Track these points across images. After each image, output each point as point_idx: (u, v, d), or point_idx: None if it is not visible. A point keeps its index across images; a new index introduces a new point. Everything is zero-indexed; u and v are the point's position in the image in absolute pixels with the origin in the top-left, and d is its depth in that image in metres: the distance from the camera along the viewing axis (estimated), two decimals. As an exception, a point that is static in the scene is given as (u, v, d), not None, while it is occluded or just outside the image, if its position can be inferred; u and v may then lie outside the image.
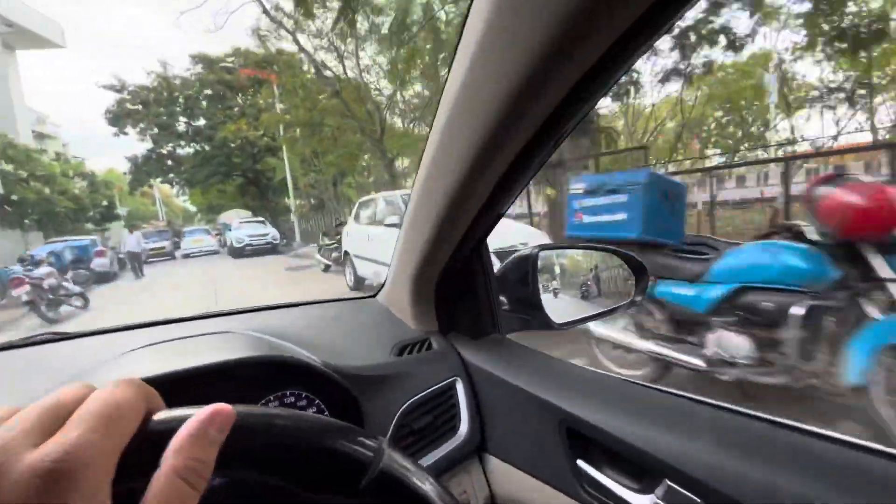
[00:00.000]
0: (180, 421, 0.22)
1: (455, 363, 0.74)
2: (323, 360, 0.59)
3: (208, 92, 23.34)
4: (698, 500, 0.42)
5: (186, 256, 19.82)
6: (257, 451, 0.25)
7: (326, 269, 9.47)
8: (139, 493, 0.20)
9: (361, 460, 0.27)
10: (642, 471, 0.49)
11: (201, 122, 23.56)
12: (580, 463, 0.55)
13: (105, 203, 15.91)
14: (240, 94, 23.63)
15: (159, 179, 24.13)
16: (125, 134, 23.23)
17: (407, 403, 0.64)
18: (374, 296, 0.95)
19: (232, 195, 27.49)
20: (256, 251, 16.81)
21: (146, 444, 0.21)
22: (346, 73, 13.71)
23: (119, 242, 12.49)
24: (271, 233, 17.45)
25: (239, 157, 24.30)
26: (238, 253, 16.72)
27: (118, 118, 21.92)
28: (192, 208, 41.52)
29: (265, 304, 0.89)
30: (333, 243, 9.01)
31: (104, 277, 12.00)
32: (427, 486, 0.29)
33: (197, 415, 0.22)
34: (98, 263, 11.68)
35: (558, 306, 0.75)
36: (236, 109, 23.33)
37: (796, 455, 0.41)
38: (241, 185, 26.61)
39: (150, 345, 0.57)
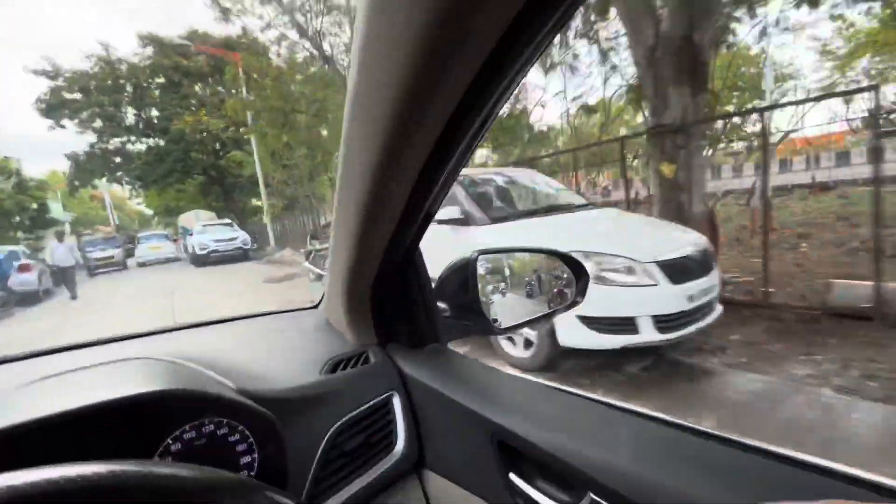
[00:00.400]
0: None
1: (392, 376, 0.71)
2: (240, 385, 0.57)
3: (161, 80, 20.66)
4: None
5: (142, 265, 17.51)
6: None
7: (319, 278, 7.64)
8: None
9: None
10: (569, 484, 0.49)
11: (153, 113, 20.80)
12: (512, 477, 0.54)
13: (35, 206, 13.08)
14: (198, 83, 21.07)
15: (105, 179, 21.10)
16: (62, 127, 20.24)
17: (337, 424, 0.62)
18: (315, 306, 0.93)
19: (192, 195, 24.79)
20: (224, 258, 14.59)
21: None
22: (317, 51, 12.02)
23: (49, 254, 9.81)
24: (241, 236, 15.25)
25: (199, 153, 21.75)
26: (201, 261, 14.44)
27: (53, 108, 18.93)
28: (149, 211, 37.82)
29: (193, 322, 0.88)
30: (325, 247, 7.23)
31: (30, 298, 9.56)
32: None
33: None
34: (20, 281, 9.22)
35: (507, 305, 0.81)
36: (194, 101, 20.76)
37: (715, 463, 0.42)
38: (203, 184, 24.00)
39: (47, 377, 0.54)
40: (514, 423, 0.53)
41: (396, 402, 0.69)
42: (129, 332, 0.78)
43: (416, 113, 0.41)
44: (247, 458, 0.50)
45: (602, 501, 0.44)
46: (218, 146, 21.91)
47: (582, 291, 0.81)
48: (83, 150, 20.63)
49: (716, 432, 0.45)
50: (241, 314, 0.94)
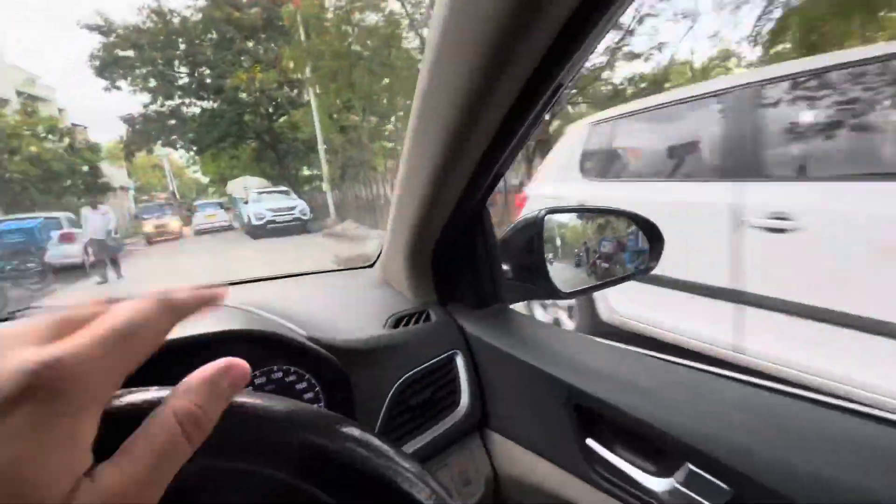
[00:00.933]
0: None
1: (455, 335, 0.71)
2: (310, 333, 0.57)
3: (213, 36, 19.19)
4: (725, 487, 0.39)
5: (199, 233, 17.05)
6: (252, 437, 0.23)
7: None
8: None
9: (355, 460, 0.25)
10: (659, 453, 0.47)
11: (206, 71, 19.45)
12: (590, 442, 0.52)
13: (86, 169, 11.99)
14: (252, 40, 19.43)
15: (160, 142, 20.23)
16: (118, 89, 19.41)
17: (402, 379, 0.61)
18: (371, 265, 0.93)
19: (246, 162, 23.73)
20: (281, 229, 13.10)
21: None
22: None
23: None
24: (299, 206, 13.64)
25: (253, 115, 20.36)
26: (258, 232, 13.01)
27: (106, 66, 17.98)
28: (205, 179, 37.95)
29: (255, 277, 0.90)
30: None
31: (73, 273, 8.16)
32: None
33: (213, 363, 0.21)
34: (61, 253, 7.91)
35: (557, 275, 0.73)
36: (246, 57, 19.17)
37: (850, 440, 0.37)
38: (257, 150, 22.80)
39: None
40: (595, 387, 0.51)
41: (459, 361, 0.69)
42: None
43: (497, 73, 0.42)
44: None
45: (703, 473, 0.41)
46: (272, 109, 20.45)
47: (657, 256, 0.77)
48: (138, 113, 19.81)
49: (858, 407, 0.35)
50: (298, 271, 0.95)
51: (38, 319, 0.19)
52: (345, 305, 0.75)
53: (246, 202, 14.07)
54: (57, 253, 7.88)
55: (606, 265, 0.82)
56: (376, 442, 0.27)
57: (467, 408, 0.65)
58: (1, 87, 16.32)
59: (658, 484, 0.45)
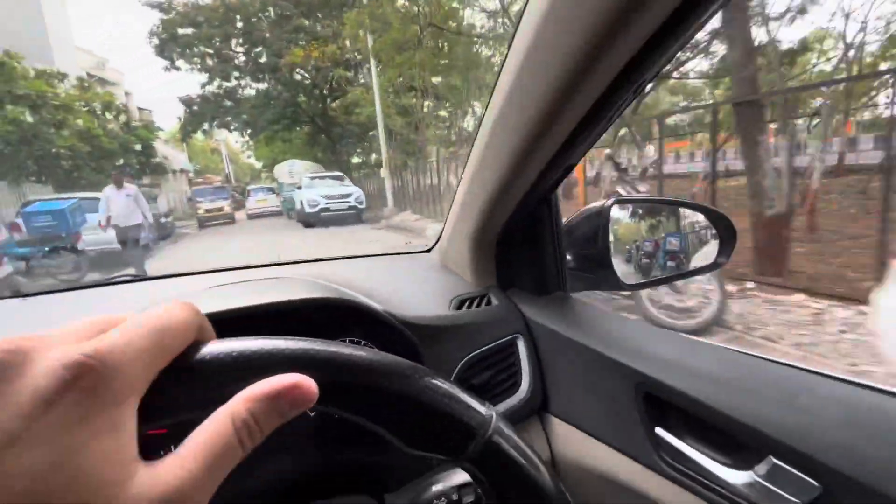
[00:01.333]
0: (229, 356, 0.22)
1: (516, 320, 0.72)
2: (384, 307, 0.59)
3: (270, 13, 18.38)
4: (813, 483, 0.38)
5: (252, 217, 16.90)
6: (370, 395, 0.25)
7: None
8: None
9: (471, 425, 0.27)
10: (738, 445, 0.46)
11: (262, 50, 18.67)
12: (659, 431, 0.51)
13: (138, 147, 11.26)
14: (309, 17, 18.42)
15: (216, 123, 19.79)
16: (177, 69, 19.13)
17: (466, 358, 0.62)
18: (428, 250, 0.94)
19: (298, 147, 23.07)
20: (334, 218, 11.96)
21: (185, 372, 0.21)
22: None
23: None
24: (354, 193, 12.39)
25: (306, 98, 19.50)
26: (310, 220, 11.95)
27: (165, 45, 17.62)
28: (258, 164, 38.22)
29: (319, 257, 0.97)
30: None
31: (115, 261, 6.96)
32: (530, 461, 0.28)
33: (281, 378, 0.21)
34: (96, 240, 6.82)
35: (619, 267, 0.73)
36: (303, 35, 18.20)
37: None
38: (310, 134, 22.04)
39: (219, 286, 0.60)
40: (668, 376, 0.50)
41: (521, 345, 0.69)
42: (264, 262, 0.86)
43: (582, 77, 0.43)
44: None
45: (788, 467, 0.40)
46: (326, 91, 19.51)
47: (727, 252, 0.73)
48: (196, 94, 19.48)
49: None
50: (358, 253, 1.00)
51: (77, 322, 0.21)
52: (408, 286, 0.78)
53: (298, 187, 13.02)
54: (93, 239, 6.84)
55: (672, 260, 0.81)
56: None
57: (528, 391, 0.66)
58: (71, 69, 16.29)
59: (736, 476, 0.44)
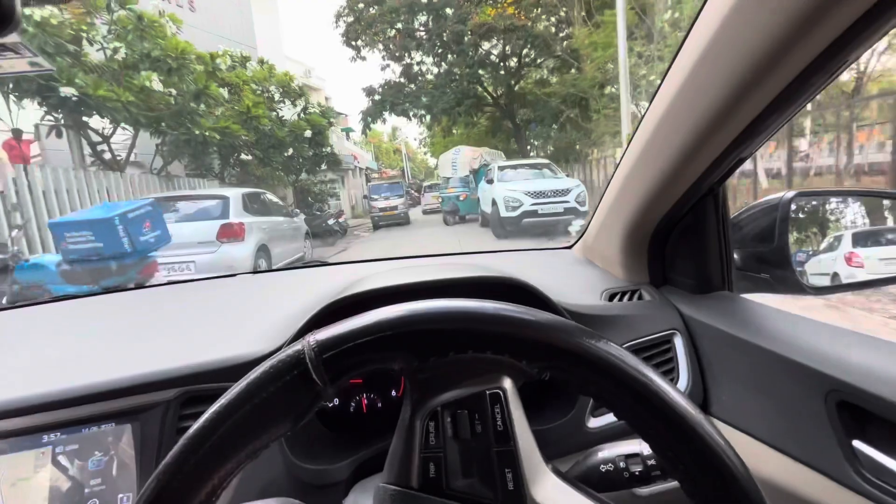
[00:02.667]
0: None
1: (672, 316, 0.70)
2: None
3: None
4: None
5: (426, 213, 17.08)
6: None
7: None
8: None
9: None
10: None
11: (445, 23, 15.85)
12: (857, 444, 0.47)
13: (308, 134, 9.54)
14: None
15: (396, 110, 17.99)
16: (363, 59, 17.98)
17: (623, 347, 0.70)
18: (569, 247, 0.95)
19: (478, 136, 20.01)
20: (542, 226, 7.88)
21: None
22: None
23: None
24: (574, 190, 8.00)
25: (491, 71, 16.09)
26: (508, 228, 8.15)
27: (350, 28, 16.37)
28: (433, 162, 37.69)
29: (472, 250, 1.04)
30: None
31: None
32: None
33: None
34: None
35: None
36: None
37: None
38: (495, 120, 18.69)
39: (402, 267, 0.71)
40: (869, 383, 0.46)
41: (678, 342, 0.68)
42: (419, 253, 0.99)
43: (759, 77, 0.42)
44: None
45: None
46: (516, 62, 15.78)
47: None
48: (378, 84, 18.04)
49: None
50: (502, 248, 1.06)
51: None
52: (559, 278, 0.80)
53: (490, 181, 9.35)
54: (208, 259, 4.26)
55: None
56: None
57: (687, 389, 0.64)
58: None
59: None
